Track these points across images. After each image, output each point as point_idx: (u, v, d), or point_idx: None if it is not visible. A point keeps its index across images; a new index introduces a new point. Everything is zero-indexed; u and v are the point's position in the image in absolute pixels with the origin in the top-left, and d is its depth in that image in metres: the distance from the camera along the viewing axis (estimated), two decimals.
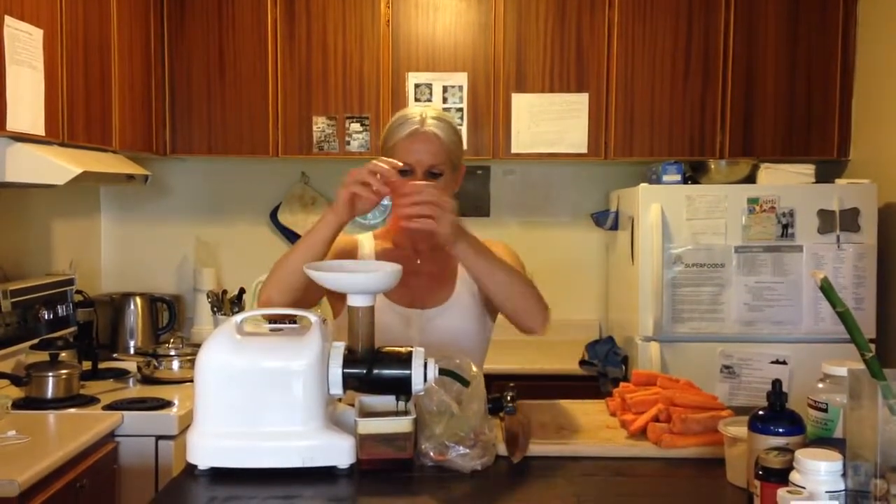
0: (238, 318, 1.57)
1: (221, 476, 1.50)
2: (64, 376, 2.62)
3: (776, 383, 1.40)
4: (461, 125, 3.45)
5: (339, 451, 1.50)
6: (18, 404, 2.54)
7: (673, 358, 3.10)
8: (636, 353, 3.15)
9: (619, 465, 1.59)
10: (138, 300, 3.49)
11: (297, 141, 3.48)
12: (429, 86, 3.47)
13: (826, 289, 1.26)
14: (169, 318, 3.60)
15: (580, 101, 3.45)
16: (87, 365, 2.91)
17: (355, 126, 3.47)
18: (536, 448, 1.63)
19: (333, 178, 3.85)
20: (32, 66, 2.41)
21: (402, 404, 1.57)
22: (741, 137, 3.44)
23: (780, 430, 1.36)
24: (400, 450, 1.52)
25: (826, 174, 3.30)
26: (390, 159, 1.75)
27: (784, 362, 3.07)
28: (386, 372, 1.52)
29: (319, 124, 3.48)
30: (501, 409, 1.70)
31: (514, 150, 3.48)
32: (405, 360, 1.52)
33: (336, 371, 1.51)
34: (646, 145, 3.46)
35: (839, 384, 1.38)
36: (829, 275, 2.93)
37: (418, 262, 1.92)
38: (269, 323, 1.65)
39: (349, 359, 1.53)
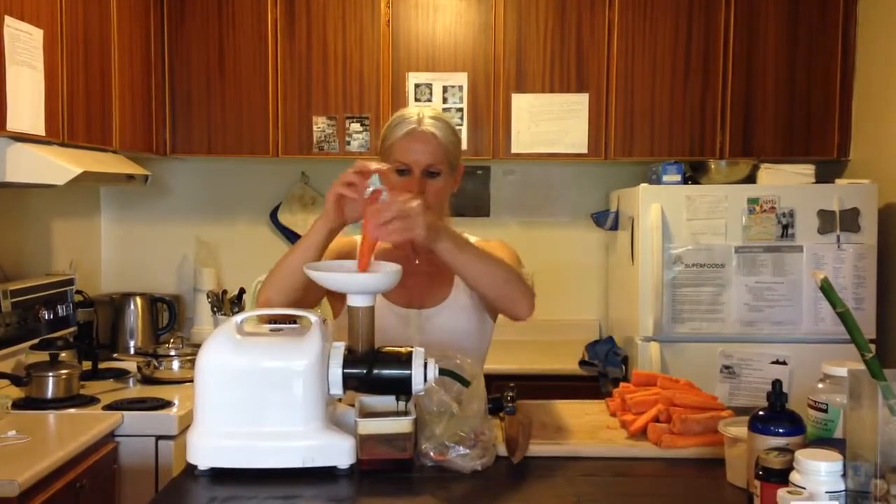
0: (238, 318, 1.57)
1: (221, 476, 1.50)
2: (64, 376, 2.62)
3: (776, 384, 1.40)
4: (461, 125, 3.45)
5: (339, 452, 1.50)
6: (18, 404, 2.54)
7: (673, 358, 3.10)
8: (636, 354, 3.15)
9: (619, 465, 1.60)
10: (138, 300, 3.49)
11: (297, 141, 3.48)
12: (429, 86, 3.47)
13: (826, 289, 1.26)
14: (169, 318, 3.60)
15: (580, 101, 3.45)
16: (87, 365, 2.91)
17: (355, 126, 3.47)
18: (536, 448, 1.63)
19: (333, 178, 3.79)
20: (32, 66, 2.41)
21: (402, 404, 1.57)
22: (741, 137, 3.44)
23: (781, 430, 1.36)
24: (400, 450, 1.52)
25: (826, 174, 3.30)
26: (375, 161, 1.75)
27: (784, 362, 3.07)
28: (386, 372, 1.52)
29: (319, 124, 3.48)
30: (501, 409, 1.70)
31: (514, 150, 3.48)
32: (405, 361, 1.52)
33: (336, 371, 1.51)
34: (646, 145, 3.46)
35: (839, 384, 1.38)
36: (829, 275, 2.93)
37: (416, 262, 1.92)
38: (269, 323, 1.65)
39: (349, 359, 1.53)
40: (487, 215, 3.84)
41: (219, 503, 1.41)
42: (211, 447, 1.51)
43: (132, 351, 3.37)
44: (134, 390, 2.84)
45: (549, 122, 3.45)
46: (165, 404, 2.60)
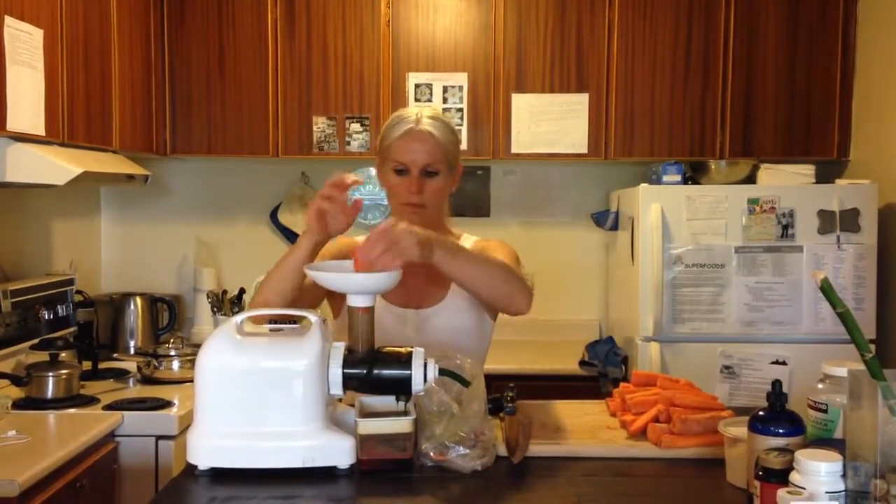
0: (238, 318, 1.57)
1: (221, 476, 1.50)
2: (64, 376, 2.62)
3: (776, 384, 1.40)
4: (461, 125, 3.45)
5: (339, 452, 1.50)
6: (18, 404, 2.54)
7: (673, 358, 3.10)
8: (636, 354, 3.15)
9: (619, 465, 1.60)
10: (138, 300, 3.49)
11: (297, 141, 3.48)
12: (429, 86, 3.47)
13: (826, 289, 1.26)
14: (169, 318, 3.60)
15: (580, 101, 3.46)
16: (87, 365, 2.91)
17: (355, 126, 3.47)
18: (536, 448, 1.63)
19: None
20: (32, 67, 2.42)
21: (402, 404, 1.57)
22: (741, 138, 3.44)
23: (780, 430, 1.36)
24: (400, 450, 1.52)
25: (826, 174, 3.30)
26: (351, 174, 1.75)
27: (784, 363, 3.07)
28: (386, 372, 1.52)
29: (319, 124, 3.48)
30: (501, 409, 1.70)
31: (514, 150, 3.48)
32: (405, 361, 1.52)
33: (336, 371, 1.51)
34: (646, 145, 3.46)
35: (839, 385, 1.38)
36: (829, 275, 2.93)
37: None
38: (269, 323, 1.65)
39: (349, 359, 1.53)
40: (487, 215, 3.84)
41: (219, 503, 1.41)
42: (211, 447, 1.51)
43: (132, 351, 3.37)
44: (134, 390, 2.84)
45: (549, 122, 3.45)
46: (165, 404, 2.60)
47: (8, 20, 2.28)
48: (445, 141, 1.90)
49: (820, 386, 1.42)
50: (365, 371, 1.52)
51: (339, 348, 1.54)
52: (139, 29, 3.23)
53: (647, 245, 3.11)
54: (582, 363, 3.30)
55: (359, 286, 1.55)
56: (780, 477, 1.24)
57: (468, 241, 2.02)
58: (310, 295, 1.81)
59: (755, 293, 3.09)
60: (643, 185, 3.18)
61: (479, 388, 1.60)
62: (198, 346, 1.65)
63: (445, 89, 3.47)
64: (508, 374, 2.96)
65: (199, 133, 3.49)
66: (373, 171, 1.99)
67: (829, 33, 3.42)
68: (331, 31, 3.46)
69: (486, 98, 3.47)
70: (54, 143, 2.56)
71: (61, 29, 2.59)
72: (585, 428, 1.77)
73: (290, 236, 3.82)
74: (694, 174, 3.36)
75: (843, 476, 1.20)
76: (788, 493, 1.19)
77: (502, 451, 1.60)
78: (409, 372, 1.51)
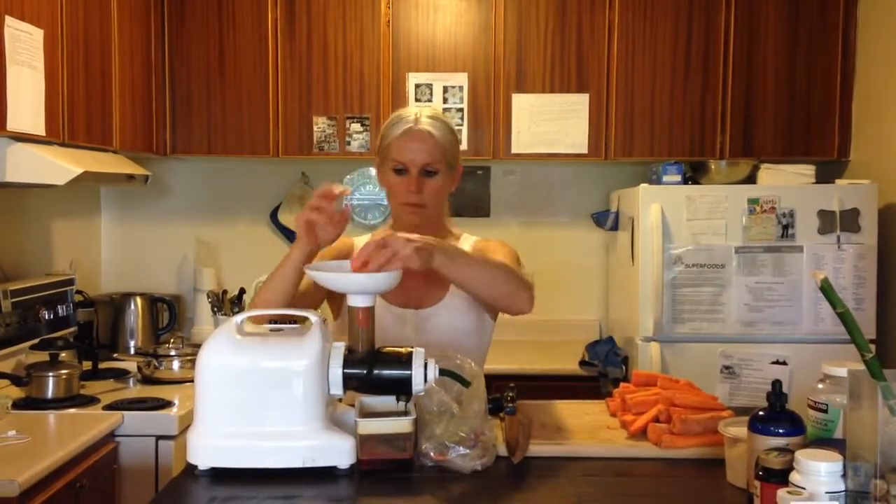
0: (238, 318, 1.57)
1: (221, 476, 1.50)
2: (64, 376, 2.62)
3: (776, 384, 1.40)
4: (461, 125, 3.45)
5: (339, 452, 1.50)
6: (19, 404, 2.54)
7: (673, 358, 3.10)
8: (636, 354, 3.15)
9: (619, 465, 1.60)
10: (138, 300, 3.49)
11: (298, 141, 3.49)
12: (429, 86, 3.47)
13: (826, 289, 1.26)
14: (169, 318, 3.60)
15: (580, 101, 3.46)
16: (87, 365, 2.91)
17: (356, 126, 3.47)
18: (536, 448, 1.63)
19: (334, 178, 3.84)
20: (33, 67, 2.42)
21: (402, 405, 1.57)
22: (741, 138, 3.44)
23: (780, 430, 1.36)
24: (400, 450, 1.53)
25: (826, 175, 3.30)
26: (339, 184, 1.76)
27: (784, 363, 3.07)
28: (386, 372, 1.52)
29: (320, 124, 3.48)
30: (502, 409, 1.70)
31: (514, 150, 3.48)
32: (405, 361, 1.52)
33: (336, 371, 1.51)
34: (646, 146, 3.46)
35: (839, 385, 1.38)
36: (829, 275, 2.93)
37: None
38: (270, 323, 1.65)
39: (349, 359, 1.53)
40: (488, 215, 3.84)
41: (219, 503, 1.41)
42: (211, 447, 1.51)
43: (132, 351, 3.37)
44: (134, 390, 2.84)
45: (550, 122, 3.45)
46: (165, 404, 2.60)
47: (8, 20, 2.29)
48: (444, 140, 1.90)
49: (820, 386, 1.42)
50: (365, 371, 1.52)
51: (339, 348, 1.54)
52: (139, 29, 3.23)
53: (647, 245, 3.11)
54: (582, 363, 3.30)
55: (359, 286, 1.55)
56: (780, 477, 1.24)
57: (468, 241, 2.02)
58: (308, 299, 1.81)
59: (755, 293, 3.09)
60: (643, 186, 3.18)
61: (479, 388, 1.60)
62: (198, 346, 1.66)
63: (445, 89, 3.47)
64: (508, 374, 2.96)
65: (199, 133, 3.49)
66: (373, 171, 1.99)
67: (829, 34, 3.42)
68: (331, 31, 3.46)
69: (487, 98, 3.47)
70: (54, 143, 2.56)
71: (61, 29, 2.59)
72: (585, 428, 1.77)
73: (291, 236, 3.82)
74: (694, 174, 3.36)
75: (843, 476, 1.20)
76: (788, 493, 1.19)
77: (502, 451, 1.60)
78: (409, 372, 1.51)
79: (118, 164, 2.94)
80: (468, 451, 1.52)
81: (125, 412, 2.51)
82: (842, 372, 1.36)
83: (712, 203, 3.10)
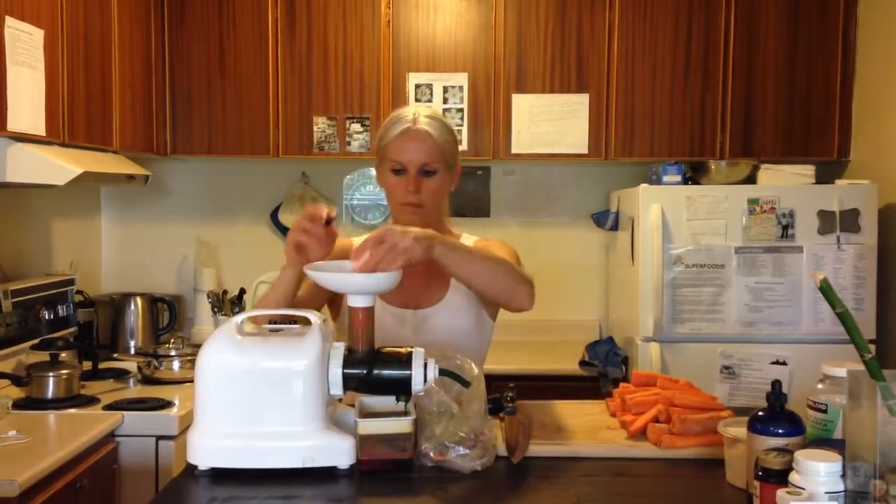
0: (238, 318, 1.57)
1: (221, 476, 1.51)
2: (64, 376, 2.62)
3: (776, 384, 1.40)
4: (461, 126, 3.46)
5: (339, 452, 1.50)
6: (19, 404, 2.54)
7: (673, 358, 3.10)
8: (636, 354, 3.15)
9: (618, 465, 1.60)
10: (139, 300, 3.49)
11: (298, 141, 3.49)
12: (429, 86, 3.47)
13: (825, 290, 1.26)
14: (169, 318, 3.60)
15: (580, 101, 3.46)
16: (87, 365, 2.91)
17: (356, 126, 3.47)
18: (536, 448, 1.63)
19: (334, 178, 3.85)
20: (33, 67, 2.42)
21: (402, 405, 1.57)
22: (741, 138, 3.44)
23: (780, 430, 1.36)
24: (400, 450, 1.53)
25: (826, 175, 3.30)
26: (325, 206, 1.76)
27: (784, 363, 3.07)
28: (386, 372, 1.52)
29: (320, 124, 3.48)
30: (501, 409, 1.70)
31: (514, 150, 3.48)
32: (405, 361, 1.52)
33: (336, 371, 1.51)
34: (646, 146, 3.46)
35: (839, 385, 1.38)
36: (829, 275, 2.92)
37: (413, 262, 1.92)
38: (270, 323, 1.65)
39: (349, 359, 1.53)
40: (488, 216, 3.84)
41: (219, 503, 1.41)
42: (211, 447, 1.51)
43: (132, 351, 3.37)
44: (134, 390, 2.84)
45: (550, 122, 3.46)
46: (166, 404, 2.60)
47: (8, 20, 2.29)
48: (443, 140, 1.90)
49: (819, 386, 1.42)
50: (365, 371, 1.53)
51: (339, 348, 1.54)
52: (139, 29, 3.23)
53: (647, 245, 3.11)
54: (582, 363, 3.30)
55: (359, 286, 1.55)
56: (779, 477, 1.24)
57: (468, 240, 2.02)
58: (310, 302, 1.81)
59: (755, 293, 3.09)
60: (643, 186, 3.18)
61: (478, 389, 1.60)
62: (198, 346, 1.66)
63: (446, 89, 3.47)
64: (508, 374, 2.96)
65: (199, 133, 3.49)
66: (372, 171, 2.00)
67: (829, 34, 3.42)
68: (331, 31, 3.46)
69: (487, 98, 3.47)
70: (55, 144, 2.56)
71: (62, 29, 2.59)
72: (585, 428, 1.77)
73: None
74: (694, 174, 3.36)
75: (843, 476, 1.20)
76: (788, 493, 1.19)
77: (502, 451, 1.60)
78: (409, 372, 1.51)
79: (118, 165, 2.94)
80: (468, 451, 1.52)
81: (125, 412, 2.51)
82: (841, 372, 1.37)
83: (712, 203, 3.10)
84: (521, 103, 3.46)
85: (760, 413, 1.40)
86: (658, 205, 3.10)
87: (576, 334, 3.72)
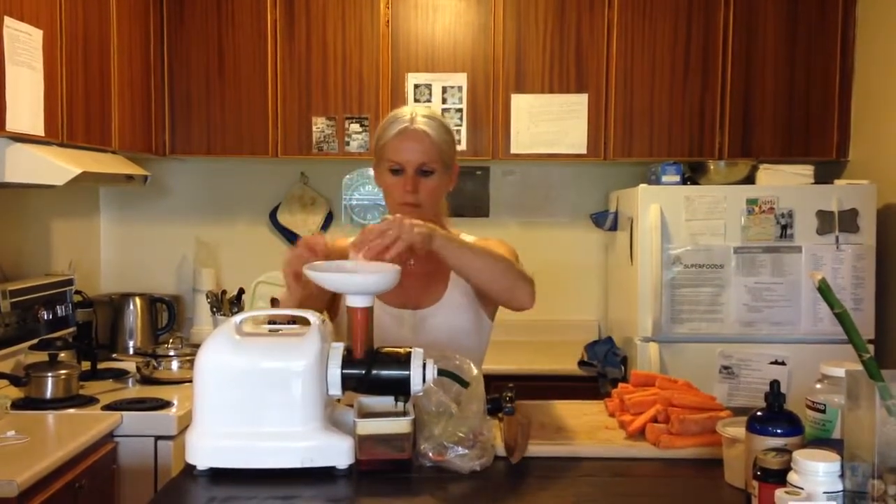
0: (237, 318, 1.57)
1: (220, 476, 1.50)
2: (63, 376, 2.62)
3: (774, 384, 1.40)
4: (460, 126, 3.46)
5: (337, 452, 1.50)
6: (18, 404, 2.54)
7: (672, 358, 3.10)
8: (635, 354, 3.15)
9: (617, 465, 1.60)
10: (137, 300, 3.49)
11: (297, 141, 3.49)
12: (428, 86, 3.47)
13: (824, 290, 1.26)
14: (168, 318, 3.60)
15: (579, 101, 3.46)
16: (86, 365, 2.91)
17: (355, 126, 3.47)
18: (535, 448, 1.63)
19: (333, 178, 3.85)
20: (32, 67, 2.42)
21: (400, 405, 1.57)
22: (740, 138, 3.44)
23: (779, 430, 1.36)
24: (399, 450, 1.53)
25: (825, 175, 3.30)
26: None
27: (783, 363, 3.08)
28: (385, 373, 1.52)
29: (319, 125, 3.48)
30: (500, 409, 1.70)
31: (513, 150, 3.48)
32: (404, 361, 1.52)
33: (335, 372, 1.51)
34: (645, 146, 3.46)
35: (837, 385, 1.38)
36: (827, 276, 2.93)
37: (411, 262, 1.92)
38: (268, 323, 1.65)
39: (348, 359, 1.53)
40: (487, 216, 3.84)
41: (218, 503, 1.41)
42: (210, 447, 1.51)
43: (131, 351, 3.37)
44: (133, 390, 2.84)
45: (549, 122, 3.46)
46: (164, 404, 2.60)
47: (7, 21, 2.29)
48: (440, 140, 1.90)
49: (818, 386, 1.42)
50: (364, 371, 1.53)
51: (337, 349, 1.54)
52: (138, 29, 3.23)
53: (646, 245, 3.11)
54: (581, 363, 3.30)
55: (358, 286, 1.56)
56: (778, 477, 1.24)
57: (466, 239, 2.02)
58: (308, 308, 1.81)
59: (754, 293, 3.09)
60: (642, 186, 3.18)
61: (477, 389, 1.60)
62: (197, 346, 1.66)
63: (445, 90, 3.47)
64: (507, 374, 2.97)
65: (198, 133, 3.49)
66: (371, 171, 2.00)
67: (828, 34, 3.43)
68: (330, 31, 3.46)
69: (486, 98, 3.47)
70: (53, 144, 2.56)
71: (61, 29, 2.59)
72: (584, 428, 1.77)
73: (290, 237, 3.83)
74: (693, 174, 3.36)
75: (841, 476, 1.20)
76: (786, 493, 1.19)
77: (501, 451, 1.60)
78: (407, 372, 1.51)
79: (117, 165, 2.94)
80: (467, 451, 1.52)
81: (124, 412, 2.51)
82: (840, 372, 1.37)
83: (711, 203, 3.10)
84: (521, 103, 3.46)
85: (759, 413, 1.40)
86: (657, 205, 3.10)
87: (575, 334, 3.72)
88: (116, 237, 3.89)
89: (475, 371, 1.61)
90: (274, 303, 3.57)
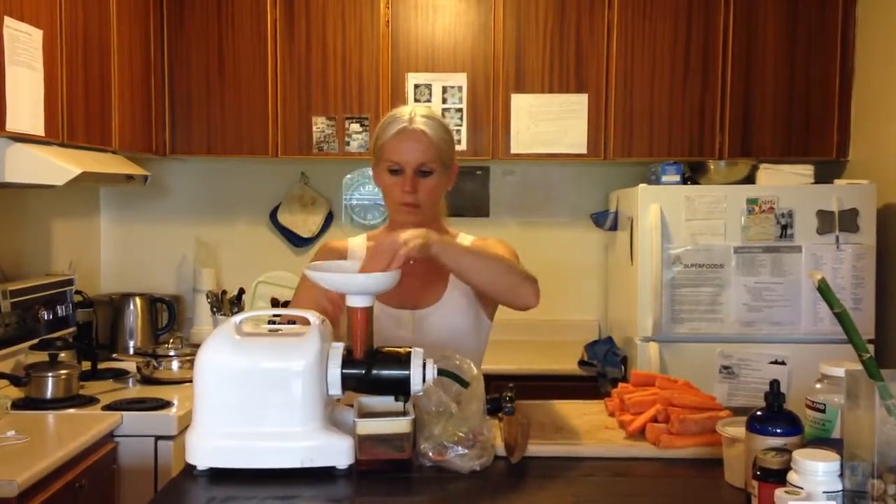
0: (237, 318, 1.57)
1: (220, 476, 1.51)
2: (63, 376, 2.62)
3: (774, 384, 1.40)
4: (460, 126, 3.46)
5: (337, 452, 1.50)
6: (18, 404, 2.54)
7: (672, 358, 3.10)
8: (635, 354, 3.15)
9: (617, 465, 1.60)
10: (138, 300, 3.49)
11: (297, 141, 3.49)
12: (428, 86, 3.47)
13: (823, 289, 1.26)
14: (168, 318, 3.60)
15: (579, 101, 3.46)
16: (86, 365, 2.91)
17: (355, 126, 3.47)
18: (535, 448, 1.63)
19: (333, 178, 3.85)
20: (32, 67, 2.42)
21: (400, 405, 1.57)
22: (740, 138, 3.44)
23: (778, 430, 1.36)
24: (398, 450, 1.53)
25: (825, 175, 3.30)
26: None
27: (783, 363, 3.08)
28: (385, 372, 1.53)
29: (319, 125, 3.48)
30: (500, 409, 1.70)
31: (513, 150, 3.48)
32: (404, 361, 1.52)
33: (335, 371, 1.52)
34: (645, 146, 3.46)
35: (837, 385, 1.38)
36: (827, 275, 2.93)
37: (410, 262, 1.92)
38: (268, 323, 1.65)
39: (348, 359, 1.53)
40: (487, 216, 3.84)
41: (217, 503, 1.41)
42: (210, 447, 1.51)
43: (131, 351, 3.37)
44: (133, 390, 2.84)
45: (549, 122, 3.46)
46: (164, 404, 2.60)
47: (7, 21, 2.29)
48: (439, 140, 1.90)
49: (818, 386, 1.42)
50: (363, 371, 1.53)
51: (337, 348, 1.54)
52: (139, 29, 3.23)
53: (646, 245, 3.11)
54: (581, 363, 3.30)
55: (359, 286, 1.56)
56: (777, 477, 1.24)
57: (465, 240, 2.02)
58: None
59: (754, 293, 3.09)
60: (642, 186, 3.18)
61: (477, 389, 1.60)
62: (197, 346, 1.66)
63: (445, 90, 3.47)
64: (507, 374, 2.97)
65: (198, 133, 3.49)
66: (370, 170, 2.00)
67: (828, 34, 3.42)
68: (330, 31, 3.46)
69: (486, 98, 3.47)
70: (54, 144, 2.56)
71: (61, 29, 2.59)
72: (584, 428, 1.77)
73: (290, 237, 3.83)
74: (693, 174, 3.36)
75: (841, 476, 1.20)
76: (786, 492, 1.19)
77: (501, 451, 1.60)
78: (407, 372, 1.51)
79: (117, 165, 2.94)
80: (467, 451, 1.53)
81: (124, 412, 2.51)
82: (839, 372, 1.37)
83: (711, 203, 3.10)
84: (520, 103, 3.46)
85: (759, 413, 1.40)
86: (657, 205, 3.10)
87: (575, 334, 3.72)
88: (116, 237, 3.89)
89: (475, 371, 1.61)
90: (274, 303, 3.58)
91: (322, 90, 3.47)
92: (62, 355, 2.76)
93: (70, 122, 2.65)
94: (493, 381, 1.91)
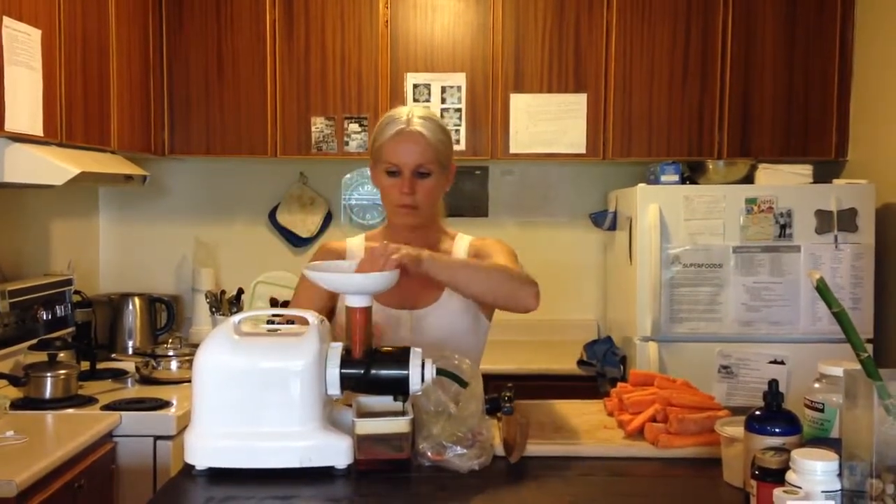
0: (236, 318, 1.57)
1: (219, 476, 1.51)
2: (62, 376, 2.62)
3: (773, 383, 1.40)
4: (459, 126, 3.46)
5: (336, 452, 1.51)
6: (17, 404, 2.54)
7: (671, 358, 3.10)
8: (634, 353, 3.15)
9: (616, 465, 1.60)
10: (137, 300, 3.49)
11: (296, 141, 3.49)
12: (427, 86, 3.47)
13: (822, 289, 1.27)
14: (167, 318, 3.60)
15: (578, 101, 3.46)
16: (85, 365, 2.91)
17: (354, 126, 3.47)
18: (534, 448, 1.63)
19: (332, 178, 3.85)
20: (31, 67, 2.42)
21: (399, 404, 1.57)
22: (739, 138, 3.44)
23: (777, 430, 1.36)
24: (397, 450, 1.53)
25: (824, 174, 3.30)
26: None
27: (782, 362, 3.08)
28: (383, 372, 1.53)
29: (318, 125, 3.48)
30: (499, 409, 1.70)
31: (512, 150, 3.48)
32: (403, 361, 1.52)
33: (334, 371, 1.52)
34: (644, 146, 3.46)
35: (835, 384, 1.38)
36: (826, 275, 2.93)
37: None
38: (267, 323, 1.65)
39: (347, 359, 1.53)
40: (486, 216, 3.84)
41: (216, 503, 1.41)
42: (209, 447, 1.51)
43: (130, 351, 3.37)
44: (132, 390, 2.84)
45: (548, 122, 3.46)
46: (163, 404, 2.60)
47: (6, 21, 2.29)
48: (436, 141, 1.90)
49: (816, 385, 1.42)
50: (362, 371, 1.53)
51: (336, 348, 1.54)
52: (137, 29, 3.23)
53: (644, 245, 3.11)
54: (580, 363, 3.30)
55: (357, 286, 1.56)
56: (776, 476, 1.24)
57: (464, 240, 2.02)
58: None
59: (753, 293, 3.09)
60: (641, 185, 3.18)
61: (476, 388, 1.60)
62: (196, 346, 1.66)
63: (444, 89, 3.47)
64: (506, 373, 2.97)
65: (197, 133, 3.49)
66: (369, 171, 2.00)
67: (826, 34, 3.43)
68: (329, 31, 3.46)
69: (485, 98, 3.47)
70: (52, 144, 2.56)
71: (59, 29, 2.59)
72: (583, 428, 1.77)
73: (289, 237, 3.83)
74: (692, 174, 3.36)
75: (839, 475, 1.20)
76: (785, 492, 1.19)
77: (500, 450, 1.60)
78: (406, 372, 1.51)
79: (116, 165, 2.94)
80: (465, 450, 1.53)
81: (123, 412, 2.51)
82: (838, 371, 1.37)
83: (710, 203, 3.10)
84: (519, 103, 3.47)
85: (757, 412, 1.40)
86: (656, 204, 3.10)
87: (574, 334, 3.73)
88: (115, 237, 3.89)
89: (474, 371, 1.61)
90: (273, 302, 3.58)
91: (321, 90, 3.47)
92: (61, 355, 2.75)
93: (69, 122, 2.65)
94: (492, 381, 1.91)
